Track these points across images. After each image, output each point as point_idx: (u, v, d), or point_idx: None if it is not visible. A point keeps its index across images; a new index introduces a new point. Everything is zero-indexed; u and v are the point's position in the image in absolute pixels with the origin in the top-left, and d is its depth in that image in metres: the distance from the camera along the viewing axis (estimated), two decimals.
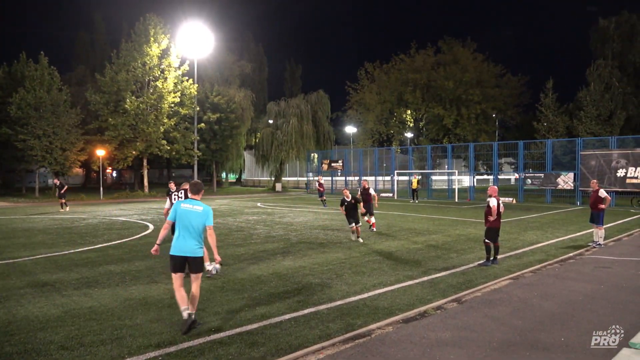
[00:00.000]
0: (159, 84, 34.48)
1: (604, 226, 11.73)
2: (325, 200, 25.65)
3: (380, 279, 8.00)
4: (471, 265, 9.25)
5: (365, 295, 7.01)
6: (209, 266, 7.98)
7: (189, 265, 5.54)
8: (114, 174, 70.58)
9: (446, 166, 42.34)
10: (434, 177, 40.47)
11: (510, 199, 27.89)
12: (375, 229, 14.40)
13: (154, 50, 34.39)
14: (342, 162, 39.79)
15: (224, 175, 59.11)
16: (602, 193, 11.44)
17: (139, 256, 10.38)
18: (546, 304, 6.54)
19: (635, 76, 38.81)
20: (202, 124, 38.90)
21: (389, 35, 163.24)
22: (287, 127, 44.31)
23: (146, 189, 37.26)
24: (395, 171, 35.15)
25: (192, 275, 5.58)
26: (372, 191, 14.46)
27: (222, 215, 20.31)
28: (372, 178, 40.06)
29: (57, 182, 24.34)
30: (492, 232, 9.29)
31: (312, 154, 44.99)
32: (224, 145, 43.90)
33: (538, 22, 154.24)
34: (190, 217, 5.51)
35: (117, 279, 8.15)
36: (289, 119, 44.66)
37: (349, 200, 12.08)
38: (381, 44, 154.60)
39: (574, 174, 25.85)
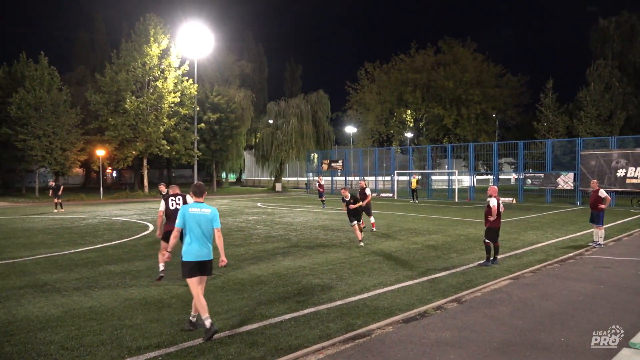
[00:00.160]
0: (159, 84, 34.48)
1: (604, 226, 11.73)
2: (324, 200, 25.58)
3: (380, 279, 8.00)
4: (471, 265, 9.25)
5: (365, 295, 7.01)
6: (161, 266, 8.01)
7: (203, 268, 5.45)
8: (114, 174, 70.57)
9: (446, 166, 42.34)
10: (434, 177, 40.47)
11: (510, 199, 27.89)
12: (375, 229, 14.41)
13: (154, 50, 34.39)
14: (342, 162, 39.79)
15: (224, 175, 59.11)
16: (602, 193, 11.44)
17: (139, 256, 10.38)
18: (546, 304, 6.54)
19: (635, 76, 38.82)
20: (202, 124, 38.90)
21: (389, 35, 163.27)
22: (287, 127, 44.30)
23: (146, 189, 37.25)
24: (395, 171, 35.14)
25: (203, 278, 5.52)
26: (368, 191, 14.45)
27: (222, 215, 20.31)
28: (372, 178, 40.12)
29: (52, 184, 24.34)
30: (492, 232, 9.29)
31: (312, 154, 44.99)
32: (224, 145, 43.90)
33: (538, 22, 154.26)
34: (200, 221, 5.41)
35: (117, 279, 8.15)
36: (289, 119, 44.66)
37: (347, 200, 11.90)
38: (381, 44, 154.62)
39: (574, 174, 25.85)
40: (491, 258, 9.32)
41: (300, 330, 5.50)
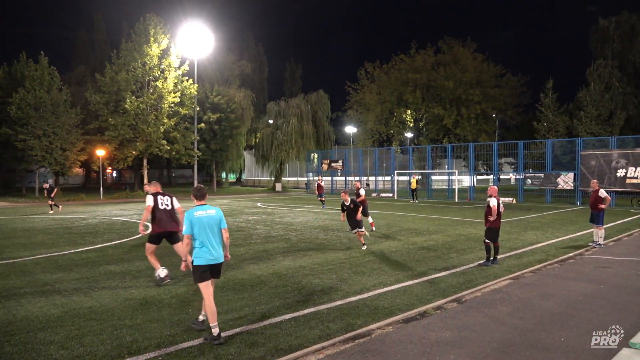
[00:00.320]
0: (159, 84, 34.48)
1: (604, 226, 11.73)
2: (324, 201, 25.47)
3: (380, 279, 8.00)
4: (471, 265, 9.25)
5: (365, 295, 7.01)
6: (161, 272, 7.81)
7: (214, 271, 5.42)
8: (114, 174, 70.59)
9: (446, 166, 42.34)
10: (434, 177, 40.48)
11: (510, 199, 27.89)
12: (374, 228, 14.42)
13: (154, 50, 34.38)
14: (342, 162, 39.79)
15: (224, 175, 59.11)
16: (602, 193, 11.44)
17: (139, 256, 10.38)
18: (546, 304, 6.54)
19: (635, 76, 38.82)
20: (202, 124, 38.91)
21: (389, 35, 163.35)
22: (287, 127, 44.31)
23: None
24: (395, 171, 35.15)
25: (213, 281, 5.49)
26: (362, 192, 14.49)
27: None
28: (372, 178, 40.13)
29: (46, 185, 23.98)
30: (492, 232, 9.29)
31: (312, 154, 44.99)
32: (224, 145, 43.90)
33: (538, 22, 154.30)
34: (208, 224, 5.38)
35: (117, 279, 8.15)
36: (289, 119, 44.66)
37: (347, 204, 11.31)
38: (381, 44, 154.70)
39: (574, 174, 25.85)
40: (491, 258, 9.32)
41: (300, 330, 5.50)
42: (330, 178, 41.24)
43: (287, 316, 6.02)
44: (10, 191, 40.62)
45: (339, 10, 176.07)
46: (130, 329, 5.57)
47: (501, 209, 9.39)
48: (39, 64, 33.95)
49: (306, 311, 6.22)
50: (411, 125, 50.40)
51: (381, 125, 48.10)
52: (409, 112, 49.18)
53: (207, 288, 5.30)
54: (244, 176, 65.05)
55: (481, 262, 9.38)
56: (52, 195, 22.83)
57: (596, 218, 11.40)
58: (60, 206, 23.38)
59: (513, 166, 41.00)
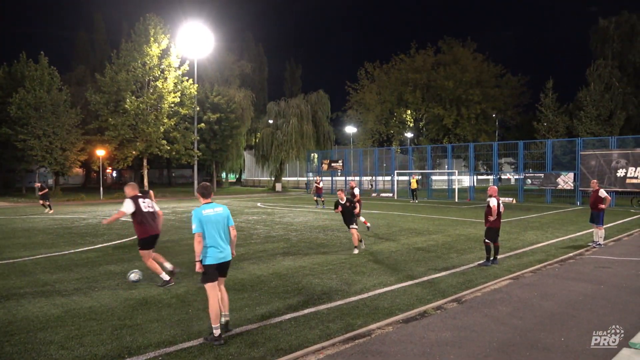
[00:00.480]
0: (159, 84, 34.46)
1: (604, 226, 11.73)
2: (323, 201, 25.32)
3: (380, 279, 8.00)
4: (471, 265, 9.25)
5: (365, 295, 7.01)
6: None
7: (222, 269, 5.39)
8: (114, 174, 70.58)
9: (446, 166, 42.35)
10: (434, 177, 40.48)
11: (510, 199, 27.90)
12: (369, 225, 14.35)
13: (154, 50, 34.36)
14: (342, 162, 39.79)
15: (224, 175, 59.11)
16: (602, 193, 11.44)
17: (138, 256, 10.30)
18: (546, 304, 6.54)
19: (635, 76, 38.82)
20: (202, 124, 38.89)
21: (389, 35, 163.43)
22: (287, 127, 44.30)
23: (146, 189, 37.25)
24: (395, 171, 35.15)
25: (220, 279, 5.46)
26: (356, 191, 14.45)
27: None
28: (372, 178, 40.15)
29: (38, 185, 23.44)
30: (492, 232, 9.29)
31: (312, 154, 44.99)
32: (224, 145, 43.89)
33: (538, 22, 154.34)
34: (217, 222, 5.35)
35: (117, 279, 8.15)
36: (289, 119, 44.65)
37: (343, 202, 11.01)
38: (381, 44, 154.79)
39: (574, 174, 25.86)
40: (491, 258, 9.32)
41: (300, 330, 5.51)
42: (330, 178, 41.24)
43: (287, 316, 6.03)
44: (10, 191, 40.63)
45: (339, 10, 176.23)
46: (130, 329, 5.57)
47: (501, 209, 9.39)
48: (39, 64, 33.92)
49: (306, 311, 6.22)
50: (411, 125, 50.40)
51: (381, 125, 48.10)
52: (409, 112, 49.19)
53: (214, 290, 5.24)
54: (244, 176, 65.06)
55: (481, 262, 9.38)
56: (41, 194, 22.23)
57: (596, 218, 11.40)
58: (51, 209, 22.09)
59: (513, 166, 41.02)
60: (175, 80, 35.50)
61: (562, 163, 29.17)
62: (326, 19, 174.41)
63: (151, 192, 12.84)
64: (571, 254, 10.38)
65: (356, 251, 10.64)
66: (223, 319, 5.38)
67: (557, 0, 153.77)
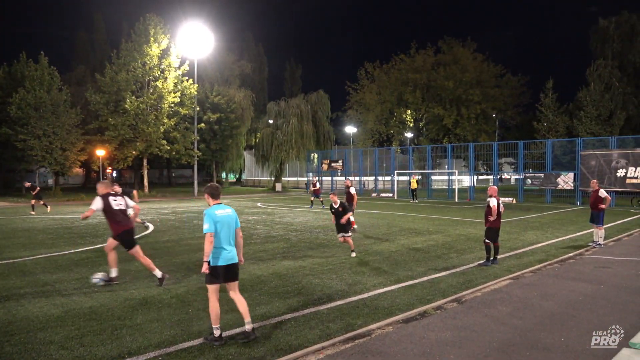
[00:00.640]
0: (159, 84, 34.48)
1: (604, 226, 11.73)
2: (322, 201, 25.24)
3: (380, 279, 8.00)
4: (471, 265, 9.25)
5: (365, 295, 7.01)
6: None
7: (232, 272, 5.32)
8: (114, 174, 70.58)
9: (446, 166, 42.35)
10: (434, 177, 40.49)
11: (510, 199, 27.89)
12: (355, 227, 14.16)
13: (154, 50, 34.38)
14: (342, 162, 39.80)
15: (224, 175, 59.12)
16: (602, 193, 11.44)
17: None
18: (546, 304, 6.54)
19: (635, 76, 38.83)
20: (202, 124, 38.90)
21: (389, 35, 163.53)
22: (287, 127, 44.30)
23: (146, 189, 37.24)
24: (395, 171, 35.15)
25: (233, 284, 5.35)
26: (352, 190, 14.38)
27: None
28: (372, 178, 40.15)
29: (27, 184, 22.55)
30: (492, 232, 9.29)
31: (312, 154, 45.00)
32: (224, 145, 43.90)
33: (538, 22, 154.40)
34: (228, 223, 5.34)
35: (116, 279, 8.13)
36: (289, 119, 44.66)
37: (336, 207, 10.41)
38: (381, 44, 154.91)
39: (574, 174, 25.86)
40: (491, 258, 9.32)
41: (300, 330, 5.50)
42: (330, 178, 41.24)
43: (287, 316, 6.03)
44: (10, 191, 40.60)
45: (339, 10, 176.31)
46: (130, 329, 5.57)
47: (501, 209, 9.39)
48: (39, 64, 33.92)
49: (306, 311, 6.22)
50: (411, 125, 50.42)
51: (381, 125, 48.12)
52: (409, 112, 49.21)
53: (216, 292, 5.20)
54: (244, 176, 65.06)
55: (481, 262, 9.38)
56: (34, 193, 21.72)
57: (596, 218, 11.40)
58: (37, 208, 21.66)
59: (513, 166, 41.02)
60: (175, 80, 35.51)
61: (562, 163, 29.17)
62: (326, 19, 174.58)
63: (135, 192, 12.88)
64: (571, 254, 10.38)
65: (354, 254, 10.32)
66: (247, 327, 5.20)
67: (557, 0, 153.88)
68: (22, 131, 32.24)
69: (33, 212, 21.50)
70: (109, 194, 7.76)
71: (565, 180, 26.16)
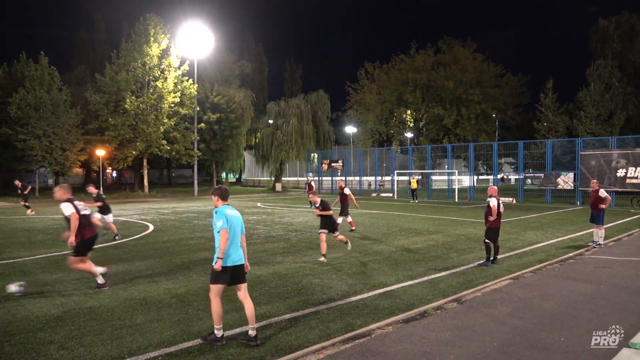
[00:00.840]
0: (159, 84, 34.48)
1: (604, 226, 11.73)
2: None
3: (380, 279, 8.00)
4: (471, 265, 9.25)
5: (365, 295, 7.01)
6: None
7: (239, 273, 5.27)
8: (114, 174, 70.59)
9: (446, 166, 42.35)
10: (434, 177, 40.48)
11: (510, 199, 27.89)
12: (354, 228, 14.34)
13: (154, 50, 34.38)
14: (342, 162, 39.80)
15: (224, 175, 59.10)
16: (602, 193, 11.44)
17: (139, 256, 10.38)
18: (546, 304, 6.54)
19: (635, 76, 38.83)
20: (202, 124, 38.89)
21: (389, 35, 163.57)
22: (287, 127, 44.29)
23: (146, 189, 37.25)
24: (395, 171, 35.15)
25: (242, 285, 5.29)
26: (347, 191, 14.44)
27: None
28: (372, 178, 40.15)
29: (18, 183, 22.28)
30: (492, 232, 9.29)
31: (312, 154, 44.99)
32: (224, 145, 43.88)
33: (538, 22, 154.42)
34: (238, 224, 5.34)
35: (117, 279, 8.14)
36: (289, 119, 44.65)
37: (317, 206, 10.00)
38: (381, 44, 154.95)
39: (574, 174, 25.85)
40: (491, 258, 9.32)
41: (300, 330, 5.50)
42: (330, 178, 41.23)
43: (287, 316, 6.03)
44: (10, 191, 40.55)
45: (339, 10, 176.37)
46: (130, 329, 5.57)
47: (501, 209, 9.39)
48: (39, 64, 33.92)
49: (306, 311, 6.22)
50: (411, 125, 50.42)
51: (381, 125, 48.12)
52: (409, 112, 49.21)
53: (219, 293, 5.17)
54: (244, 176, 65.05)
55: (481, 262, 9.38)
56: (25, 193, 21.69)
57: (596, 218, 11.40)
58: (31, 209, 21.44)
59: (513, 166, 41.02)
60: (175, 80, 35.52)
61: (562, 163, 29.17)
62: (326, 19, 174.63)
63: (103, 196, 13.12)
64: (571, 254, 10.38)
65: (349, 246, 10.43)
66: (251, 332, 5.16)
67: (557, 0, 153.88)
68: (22, 131, 32.24)
69: (30, 211, 21.51)
70: (72, 199, 7.42)
71: (565, 180, 26.15)
